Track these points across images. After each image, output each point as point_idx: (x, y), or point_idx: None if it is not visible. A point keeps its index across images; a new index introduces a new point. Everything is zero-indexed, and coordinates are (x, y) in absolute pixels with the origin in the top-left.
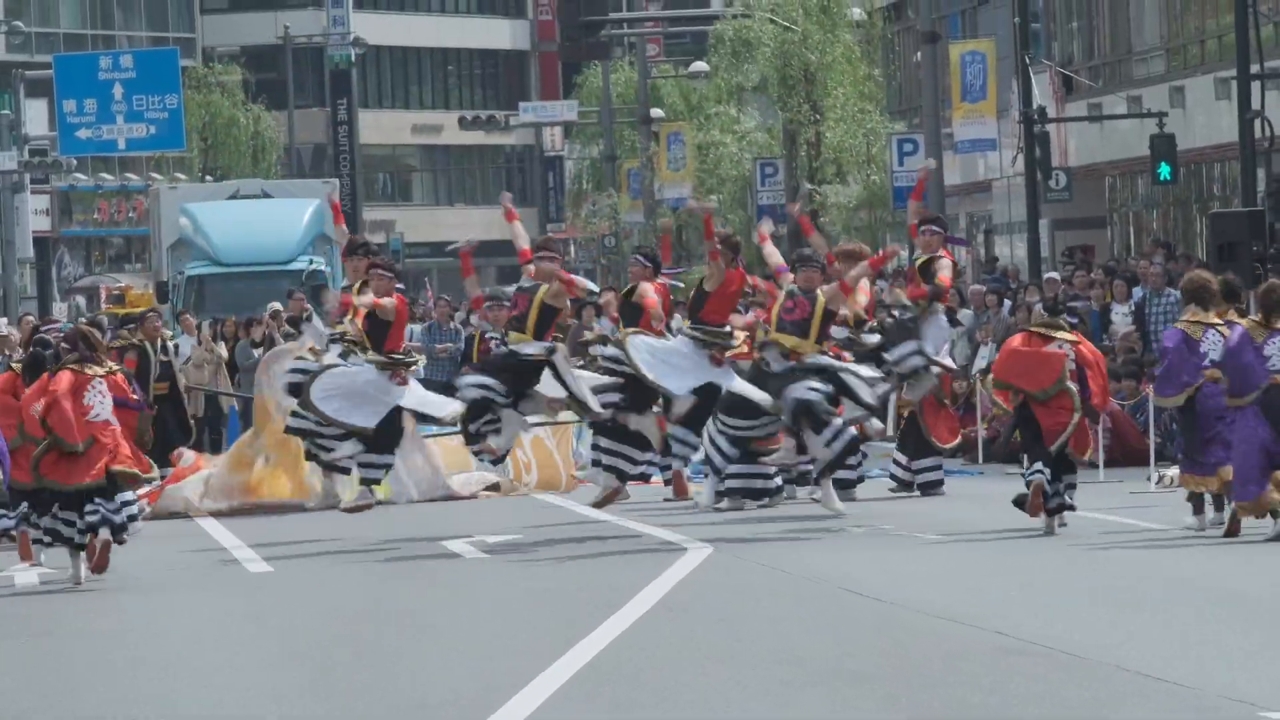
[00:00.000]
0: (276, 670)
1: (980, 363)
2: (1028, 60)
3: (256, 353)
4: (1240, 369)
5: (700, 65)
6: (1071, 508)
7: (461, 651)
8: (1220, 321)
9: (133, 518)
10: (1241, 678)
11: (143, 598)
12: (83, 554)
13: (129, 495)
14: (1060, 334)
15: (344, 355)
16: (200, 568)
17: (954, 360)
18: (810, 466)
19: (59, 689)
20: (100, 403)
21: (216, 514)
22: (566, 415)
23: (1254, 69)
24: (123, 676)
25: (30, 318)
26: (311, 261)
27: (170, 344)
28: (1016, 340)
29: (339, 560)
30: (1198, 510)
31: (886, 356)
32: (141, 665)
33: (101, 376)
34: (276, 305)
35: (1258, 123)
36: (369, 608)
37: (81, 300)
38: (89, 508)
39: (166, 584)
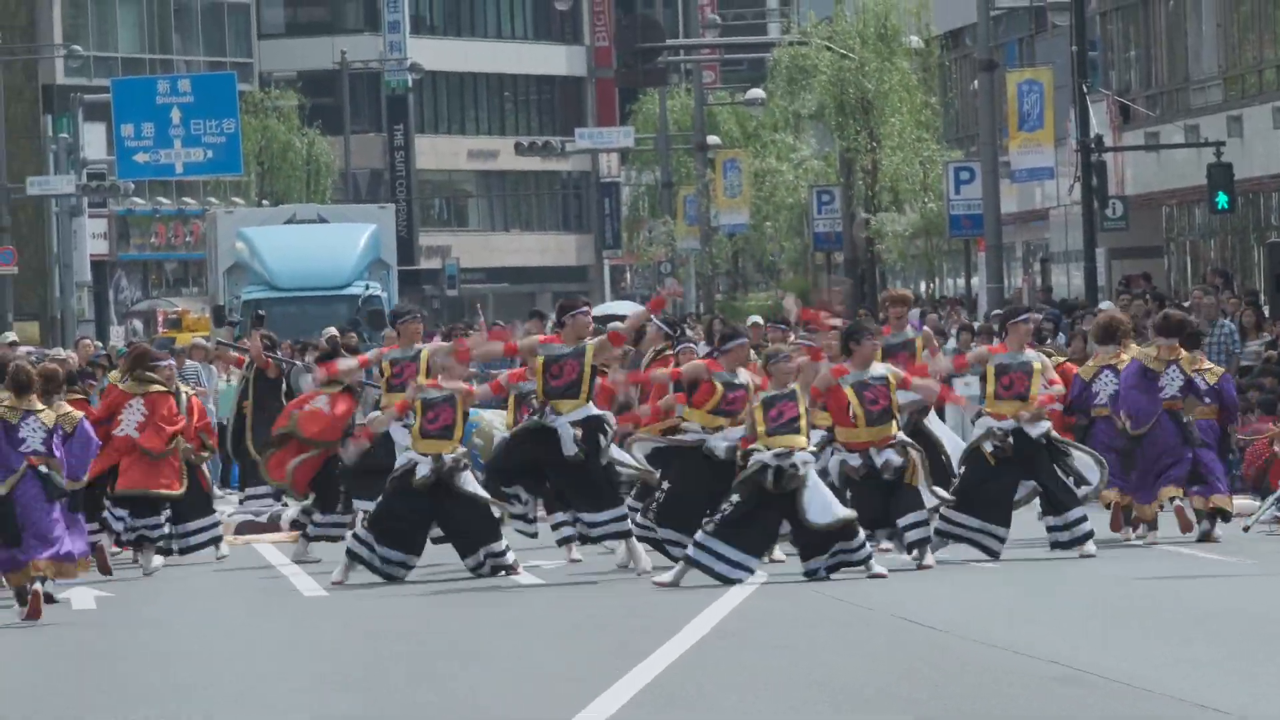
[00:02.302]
0: (330, 695)
1: None
2: (1085, 89)
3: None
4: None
5: (757, 92)
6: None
7: (515, 677)
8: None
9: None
10: None
11: (196, 620)
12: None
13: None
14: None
15: None
16: (254, 591)
17: None
18: None
19: (110, 710)
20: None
21: None
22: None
23: None
24: (174, 699)
25: (88, 341)
26: (368, 286)
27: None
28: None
29: (392, 585)
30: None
31: None
32: (193, 689)
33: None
34: (333, 330)
35: None
36: (421, 632)
37: (139, 324)
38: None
39: (220, 607)
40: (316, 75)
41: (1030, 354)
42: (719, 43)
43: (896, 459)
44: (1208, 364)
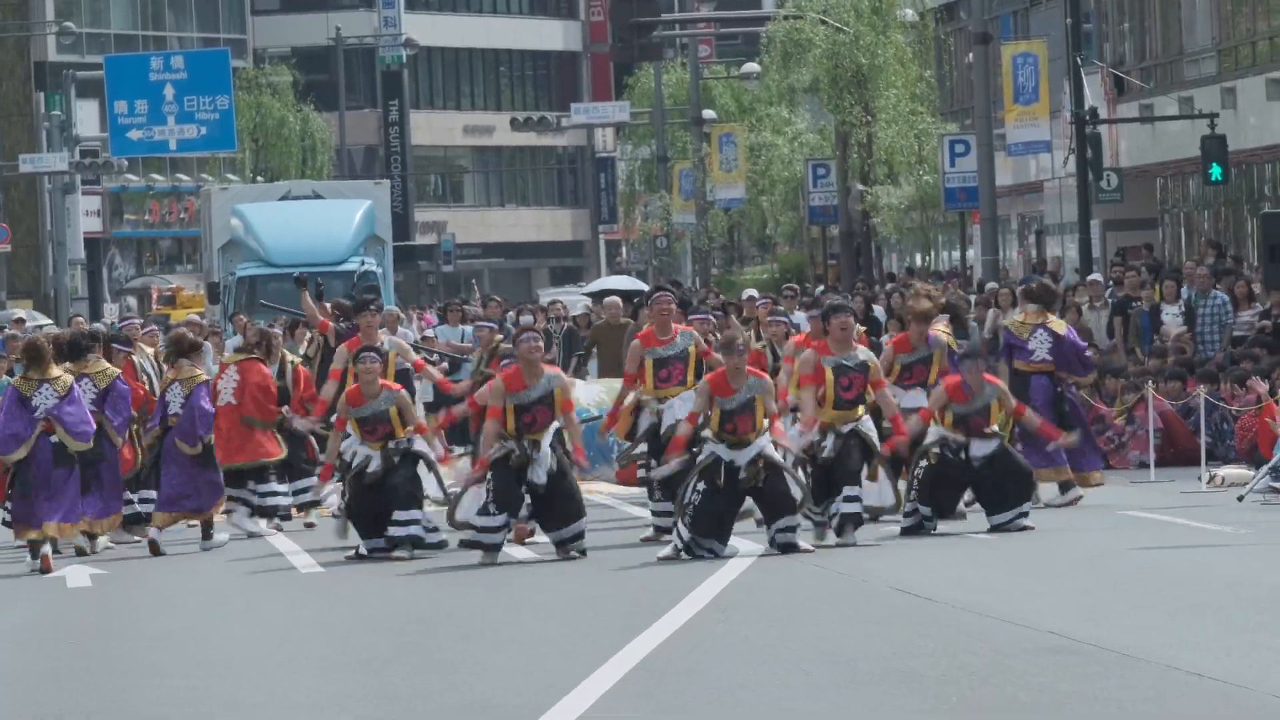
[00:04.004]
0: (335, 674)
1: None
2: (1079, 61)
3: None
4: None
5: (752, 66)
6: None
7: (516, 653)
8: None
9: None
10: None
11: (199, 600)
12: None
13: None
14: None
15: None
16: (250, 569)
17: None
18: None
19: (118, 691)
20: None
21: None
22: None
23: None
24: (181, 679)
25: (80, 319)
26: (363, 263)
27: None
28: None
29: (392, 563)
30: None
31: None
32: (199, 668)
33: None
34: (326, 306)
35: None
36: (423, 611)
37: (133, 301)
38: None
39: (221, 586)
40: (311, 51)
41: (989, 390)
42: (714, 16)
43: (843, 432)
44: (1054, 320)
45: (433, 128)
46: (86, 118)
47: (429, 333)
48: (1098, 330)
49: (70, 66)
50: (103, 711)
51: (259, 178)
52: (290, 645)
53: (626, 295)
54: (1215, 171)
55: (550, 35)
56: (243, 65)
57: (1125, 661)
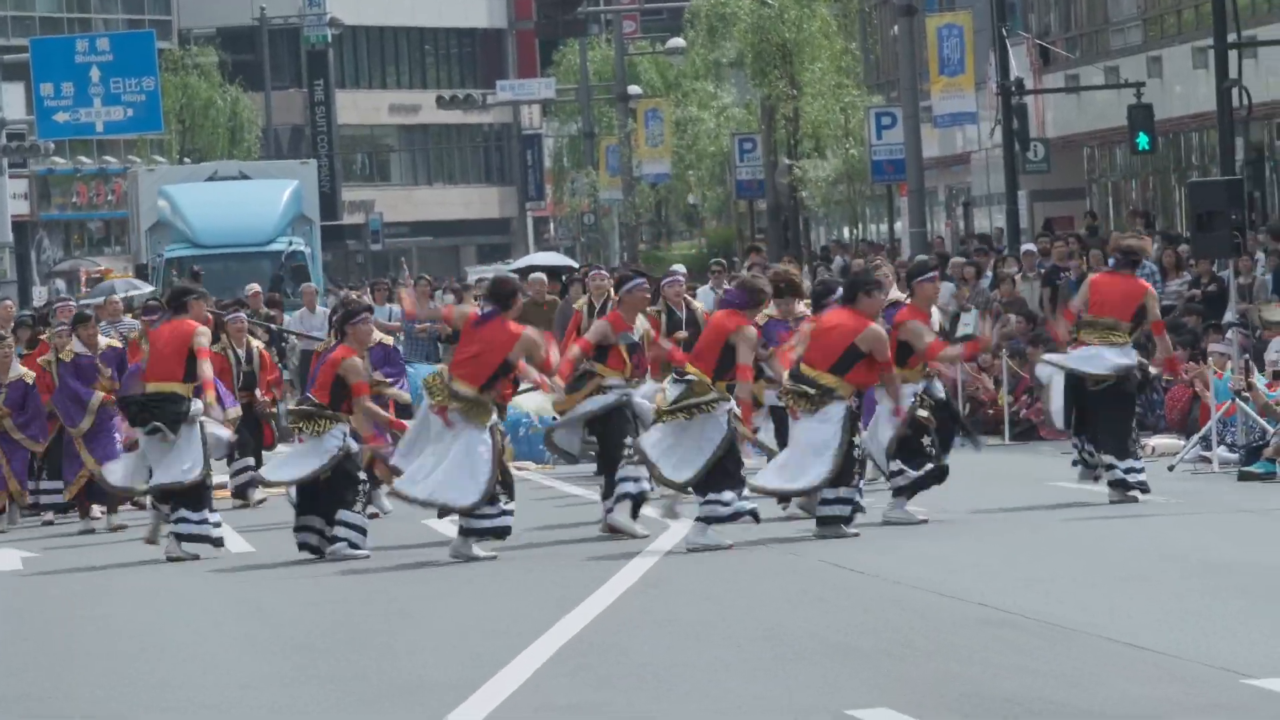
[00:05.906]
0: (269, 656)
1: (964, 330)
2: (1004, 32)
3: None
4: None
5: (677, 41)
6: None
7: (448, 632)
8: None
9: None
10: (1223, 646)
11: (130, 582)
12: None
13: None
14: None
15: None
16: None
17: None
18: None
19: (54, 675)
20: None
21: None
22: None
23: (1230, 38)
24: (112, 660)
25: (9, 302)
26: (291, 243)
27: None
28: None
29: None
30: None
31: None
32: (131, 649)
33: None
34: (255, 286)
35: (1235, 91)
36: (356, 592)
37: (61, 284)
38: None
39: (153, 569)
40: (236, 31)
41: (935, 313)
42: None
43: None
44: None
45: (358, 107)
46: (12, 101)
47: None
48: (1031, 301)
49: None
50: (30, 696)
51: (186, 159)
52: (223, 626)
53: (553, 272)
54: (1142, 140)
55: (475, 12)
56: (168, 46)
57: (1059, 633)
